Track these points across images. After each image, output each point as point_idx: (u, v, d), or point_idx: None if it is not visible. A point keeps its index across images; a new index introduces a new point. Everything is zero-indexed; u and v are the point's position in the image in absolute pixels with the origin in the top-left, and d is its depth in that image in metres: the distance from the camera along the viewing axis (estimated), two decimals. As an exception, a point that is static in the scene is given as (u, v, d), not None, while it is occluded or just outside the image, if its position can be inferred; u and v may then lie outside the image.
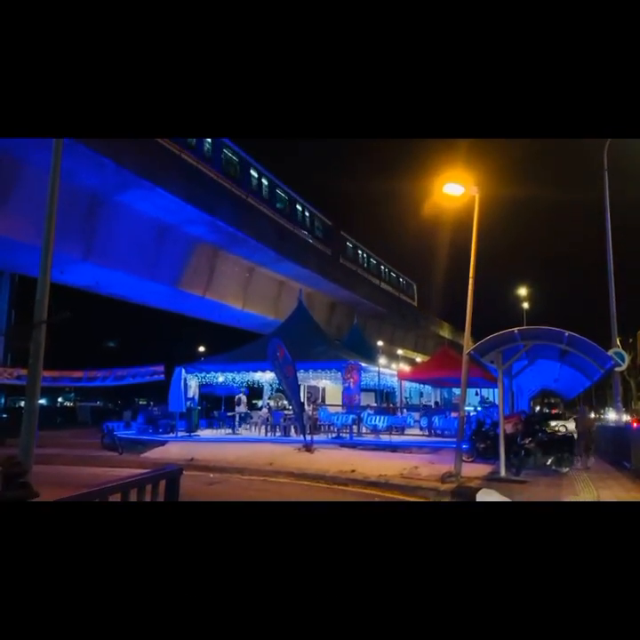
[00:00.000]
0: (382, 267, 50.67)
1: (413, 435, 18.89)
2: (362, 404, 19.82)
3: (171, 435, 18.62)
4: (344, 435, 18.21)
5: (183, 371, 19.32)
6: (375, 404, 23.24)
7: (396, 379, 23.29)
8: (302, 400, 18.68)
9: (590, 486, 9.73)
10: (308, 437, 15.49)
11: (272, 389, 23.44)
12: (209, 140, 25.21)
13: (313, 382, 23.48)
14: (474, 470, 11.22)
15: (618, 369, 14.74)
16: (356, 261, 43.78)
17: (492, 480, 10.22)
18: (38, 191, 10.64)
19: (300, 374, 18.14)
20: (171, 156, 21.51)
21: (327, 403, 21.97)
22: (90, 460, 15.01)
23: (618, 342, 15.64)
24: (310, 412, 18.26)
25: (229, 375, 20.97)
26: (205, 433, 19.77)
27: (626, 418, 25.63)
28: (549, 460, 11.59)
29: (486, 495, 8.61)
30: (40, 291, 6.46)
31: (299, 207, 35.19)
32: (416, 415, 21.49)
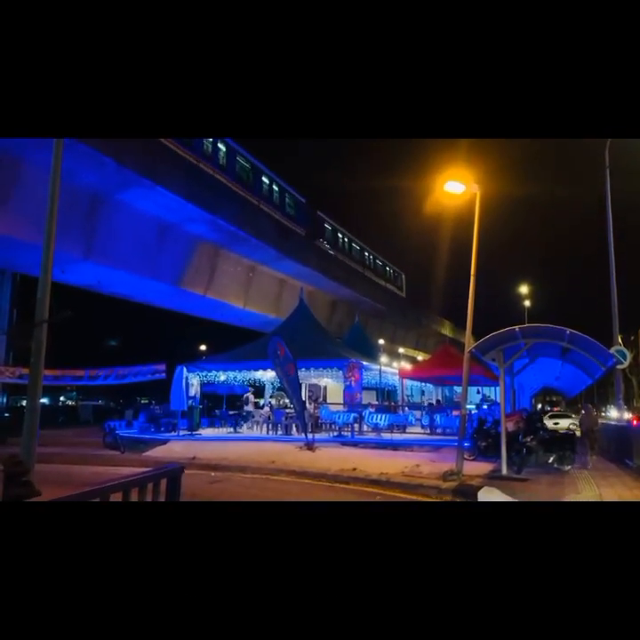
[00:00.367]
0: (366, 253, 47.78)
1: (415, 433, 18.89)
2: (363, 402, 19.83)
3: (172, 433, 18.66)
4: (345, 433, 18.21)
5: (185, 369, 19.33)
6: (376, 403, 23.25)
7: (398, 377, 23.30)
8: (304, 398, 18.69)
9: (592, 484, 9.72)
10: (310, 436, 15.51)
11: (273, 388, 23.46)
12: None
13: (314, 380, 23.49)
14: (475, 468, 11.22)
15: (619, 367, 14.75)
16: (335, 245, 40.68)
17: (493, 478, 10.22)
18: (39, 190, 10.65)
19: (302, 372, 18.15)
20: (171, 155, 21.51)
21: (328, 401, 21.98)
22: (91, 458, 15.03)
23: (619, 340, 15.63)
24: (312, 411, 18.27)
25: (231, 374, 21.00)
26: (207, 432, 19.80)
27: (628, 416, 25.60)
28: (551, 458, 11.60)
29: (488, 493, 8.61)
30: (41, 290, 6.47)
31: (265, 179, 31.76)
32: (417, 413, 21.49)
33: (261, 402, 24.93)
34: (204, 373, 20.50)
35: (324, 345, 20.09)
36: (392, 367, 26.00)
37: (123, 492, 3.37)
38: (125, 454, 15.61)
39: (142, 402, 40.88)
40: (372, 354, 24.54)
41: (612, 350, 13.05)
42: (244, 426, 20.90)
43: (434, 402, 25.72)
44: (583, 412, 16.20)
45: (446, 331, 57.58)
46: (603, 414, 43.74)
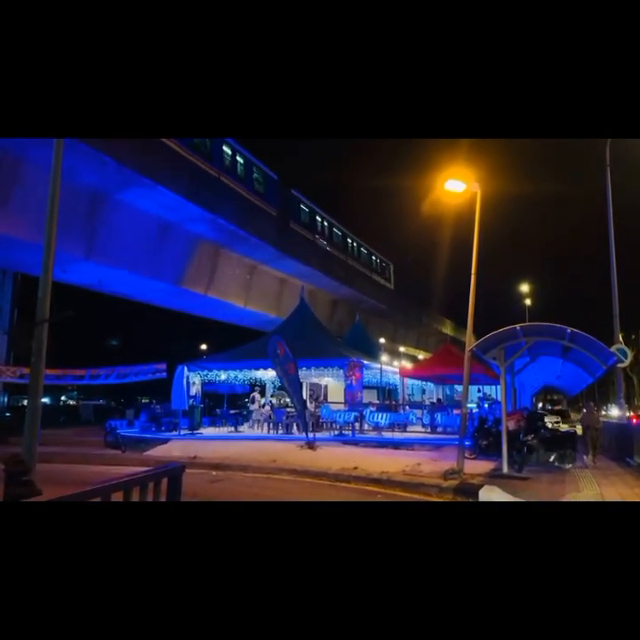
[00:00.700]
0: (350, 240, 43.48)
1: (416, 432, 18.88)
2: (364, 401, 19.82)
3: (173, 433, 18.66)
4: (346, 432, 18.22)
5: (186, 369, 19.34)
6: (377, 402, 23.24)
7: (399, 376, 23.30)
8: (305, 397, 18.69)
9: (593, 483, 9.72)
10: (311, 435, 15.52)
11: (274, 387, 23.46)
12: None
13: (315, 380, 23.49)
14: (476, 467, 11.23)
15: (620, 365, 14.76)
16: (312, 229, 36.27)
17: (494, 477, 10.23)
18: (39, 190, 10.66)
19: (302, 372, 18.15)
20: (171, 154, 21.50)
21: (329, 400, 21.98)
22: (93, 458, 15.05)
23: (620, 338, 15.64)
24: (313, 410, 18.27)
25: (232, 373, 21.01)
26: (208, 431, 19.81)
27: (629, 414, 25.57)
28: (552, 457, 11.60)
29: (489, 492, 8.62)
30: (42, 289, 6.48)
31: (226, 149, 27.13)
32: (418, 412, 21.49)
33: (263, 401, 24.96)
34: (204, 372, 20.51)
35: (325, 344, 20.08)
36: (393, 366, 25.98)
37: (124, 492, 3.37)
38: (126, 453, 15.64)
39: (143, 401, 40.91)
40: (372, 353, 24.52)
41: (613, 349, 13.07)
42: (245, 425, 20.91)
43: (435, 401, 25.73)
44: (585, 410, 16.20)
45: (447, 329, 57.58)
46: (604, 413, 43.74)
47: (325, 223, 38.92)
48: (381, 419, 18.71)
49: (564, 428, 21.94)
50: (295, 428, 18.54)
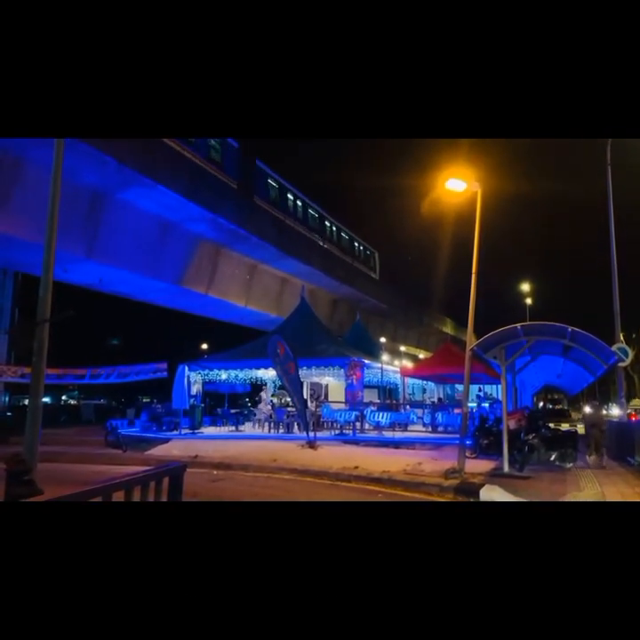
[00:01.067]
0: (328, 223, 38.89)
1: (416, 431, 18.88)
2: (365, 400, 19.83)
3: (174, 432, 18.68)
4: (347, 431, 18.23)
5: (186, 368, 19.35)
6: (378, 401, 23.24)
7: (399, 375, 23.29)
8: (305, 397, 18.68)
9: (594, 482, 9.72)
10: (312, 434, 15.52)
11: (275, 386, 23.48)
12: None
13: (316, 379, 23.49)
14: (477, 466, 11.23)
15: (621, 364, 14.75)
16: (284, 209, 32.22)
17: (495, 476, 10.23)
18: (40, 189, 10.67)
19: (303, 371, 18.15)
20: (171, 153, 21.48)
21: (330, 399, 21.98)
22: (94, 457, 15.06)
23: (621, 337, 15.62)
24: (313, 409, 18.27)
25: (232, 372, 21.02)
26: (209, 430, 19.83)
27: (628, 412, 25.52)
28: (553, 456, 11.60)
29: (490, 491, 8.62)
30: (43, 289, 6.49)
31: None
32: (419, 411, 21.49)
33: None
34: (205, 372, 20.52)
35: (326, 343, 20.08)
36: (393, 365, 25.96)
37: (125, 491, 3.38)
38: (127, 453, 15.64)
39: (144, 400, 40.89)
40: (373, 352, 24.51)
41: (614, 348, 13.06)
42: (246, 424, 20.92)
43: (435, 400, 25.73)
44: (589, 409, 16.18)
45: (448, 329, 57.50)
46: (605, 412, 43.72)
47: (299, 203, 34.49)
48: (382, 418, 18.71)
49: (564, 427, 21.94)
50: (296, 427, 18.55)
